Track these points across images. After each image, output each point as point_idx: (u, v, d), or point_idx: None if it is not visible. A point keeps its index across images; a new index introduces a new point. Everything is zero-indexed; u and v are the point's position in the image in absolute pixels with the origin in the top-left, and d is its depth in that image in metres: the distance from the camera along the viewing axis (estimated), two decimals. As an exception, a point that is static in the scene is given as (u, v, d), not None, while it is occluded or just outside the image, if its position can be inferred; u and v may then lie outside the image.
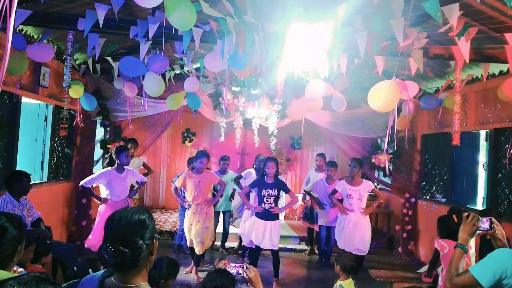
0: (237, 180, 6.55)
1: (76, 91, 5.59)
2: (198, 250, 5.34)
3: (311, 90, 5.21)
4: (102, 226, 4.97)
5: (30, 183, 4.30)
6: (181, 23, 3.10)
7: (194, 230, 5.31)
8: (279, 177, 5.46)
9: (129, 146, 6.47)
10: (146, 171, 7.26)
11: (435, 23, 4.15)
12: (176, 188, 5.51)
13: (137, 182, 5.63)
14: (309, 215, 6.85)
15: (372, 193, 5.62)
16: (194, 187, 5.31)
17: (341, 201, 5.83)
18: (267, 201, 5.21)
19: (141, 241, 1.48)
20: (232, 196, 6.77)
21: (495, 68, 5.12)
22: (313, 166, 9.51)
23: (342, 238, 5.46)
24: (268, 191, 5.21)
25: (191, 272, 5.61)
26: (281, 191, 5.35)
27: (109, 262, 1.43)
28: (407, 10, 3.37)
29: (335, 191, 5.81)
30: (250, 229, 5.38)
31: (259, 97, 7.14)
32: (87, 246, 5.08)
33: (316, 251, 6.98)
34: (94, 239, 4.99)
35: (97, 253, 1.48)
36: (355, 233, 5.35)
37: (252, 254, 5.52)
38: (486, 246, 2.28)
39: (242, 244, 6.25)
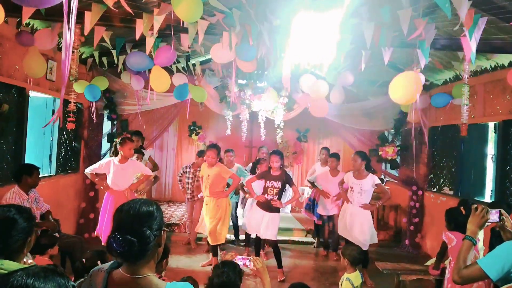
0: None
1: (82, 86, 5.62)
2: (210, 241, 5.49)
3: (304, 84, 5.18)
4: (104, 212, 5.05)
5: (39, 176, 4.34)
6: (188, 15, 3.08)
7: (206, 221, 5.48)
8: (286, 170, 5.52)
9: (133, 138, 6.50)
10: (152, 166, 7.28)
11: (443, 14, 4.11)
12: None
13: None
14: (311, 206, 6.92)
15: (376, 188, 5.53)
16: (205, 179, 5.48)
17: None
18: (270, 192, 5.32)
19: (149, 231, 1.50)
20: (236, 192, 6.72)
21: (504, 58, 5.05)
22: (319, 159, 9.49)
23: (341, 226, 5.54)
24: (272, 183, 5.33)
25: (210, 265, 5.64)
26: (286, 184, 5.41)
27: (117, 251, 1.44)
28: (415, 1, 3.33)
29: (341, 182, 5.82)
30: (249, 218, 5.61)
31: (265, 90, 7.12)
32: (96, 233, 5.35)
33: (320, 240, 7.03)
34: (100, 225, 5.23)
35: (105, 242, 1.49)
36: (352, 224, 5.35)
37: (254, 244, 5.68)
38: (497, 238, 2.26)
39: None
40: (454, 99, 5.60)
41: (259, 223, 5.37)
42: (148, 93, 5.38)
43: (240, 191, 6.62)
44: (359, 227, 5.32)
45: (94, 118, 6.17)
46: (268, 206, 5.34)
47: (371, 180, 5.35)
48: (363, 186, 5.33)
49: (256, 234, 5.52)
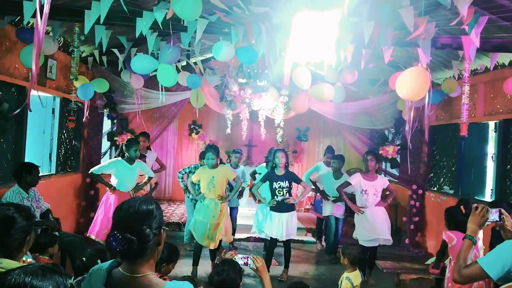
0: (253, 176, 6.49)
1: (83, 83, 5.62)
2: (213, 246, 5.14)
3: (297, 78, 5.14)
4: (106, 215, 4.80)
5: (39, 175, 4.34)
6: (187, 14, 3.08)
7: (208, 225, 5.09)
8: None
9: (140, 139, 6.50)
10: (160, 167, 7.25)
11: (444, 12, 4.10)
12: (192, 182, 5.34)
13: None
14: (317, 205, 6.82)
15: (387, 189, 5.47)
16: (208, 182, 5.09)
17: (351, 197, 5.59)
18: (279, 193, 5.19)
19: (148, 230, 1.50)
20: (241, 194, 6.54)
21: (505, 58, 5.04)
22: (320, 158, 9.47)
23: (369, 235, 5.14)
24: (279, 183, 5.20)
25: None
26: (293, 182, 5.31)
27: (117, 249, 1.44)
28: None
29: (345, 184, 5.46)
30: (267, 224, 5.32)
31: (266, 89, 7.11)
32: (89, 234, 5.13)
33: (323, 243, 6.95)
34: (101, 228, 5.05)
35: (105, 241, 1.49)
36: (376, 225, 5.13)
37: (269, 246, 5.41)
38: (497, 238, 2.26)
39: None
40: (451, 93, 5.61)
41: (280, 227, 5.15)
42: (160, 92, 5.34)
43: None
44: (386, 224, 5.21)
45: (85, 116, 6.12)
46: (282, 207, 5.18)
47: (382, 180, 5.34)
48: (377, 187, 5.25)
49: (271, 237, 5.26)
